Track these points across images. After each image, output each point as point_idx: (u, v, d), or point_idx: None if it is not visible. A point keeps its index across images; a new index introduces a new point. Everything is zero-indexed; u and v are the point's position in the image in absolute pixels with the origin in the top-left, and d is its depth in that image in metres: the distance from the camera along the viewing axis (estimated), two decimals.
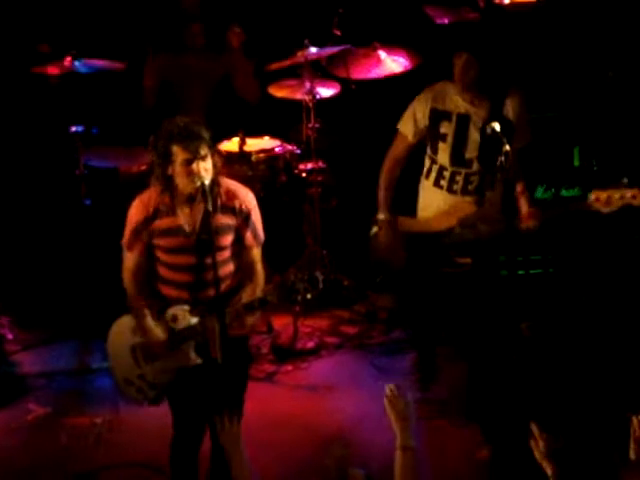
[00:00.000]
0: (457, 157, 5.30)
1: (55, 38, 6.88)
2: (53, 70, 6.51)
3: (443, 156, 5.32)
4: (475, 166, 5.29)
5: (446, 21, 7.13)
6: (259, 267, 4.68)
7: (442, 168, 5.33)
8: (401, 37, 7.19)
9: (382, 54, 6.99)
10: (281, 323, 6.73)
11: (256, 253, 4.68)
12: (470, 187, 5.31)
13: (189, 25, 7.03)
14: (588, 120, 6.65)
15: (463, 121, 5.28)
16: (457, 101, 5.31)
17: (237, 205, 4.58)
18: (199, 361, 4.54)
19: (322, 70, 7.03)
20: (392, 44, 7.05)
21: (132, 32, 7.36)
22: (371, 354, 6.48)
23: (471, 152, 5.29)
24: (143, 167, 6.75)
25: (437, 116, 5.32)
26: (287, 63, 6.77)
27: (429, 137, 5.36)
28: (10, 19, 7.37)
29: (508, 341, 5.85)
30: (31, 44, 6.87)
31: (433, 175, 5.37)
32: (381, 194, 5.46)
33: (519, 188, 5.24)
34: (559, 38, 7.07)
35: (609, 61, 6.89)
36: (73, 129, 6.58)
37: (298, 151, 6.98)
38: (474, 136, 5.28)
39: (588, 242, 6.45)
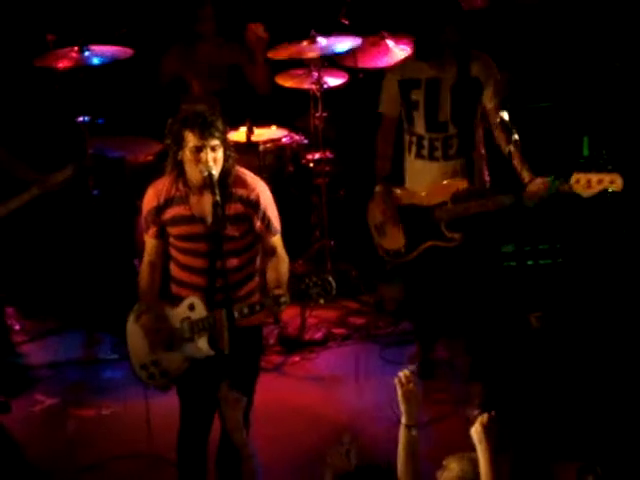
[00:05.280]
0: (431, 122, 5.43)
1: (62, 27, 6.85)
2: (62, 64, 6.48)
3: (418, 124, 5.47)
4: (451, 129, 5.43)
5: None
6: (279, 251, 4.68)
7: (420, 138, 5.47)
8: (409, 26, 7.14)
9: (390, 43, 6.95)
10: (289, 314, 6.69)
11: (274, 240, 4.67)
12: (451, 152, 5.46)
13: (199, 10, 7.01)
14: (597, 110, 6.62)
15: (433, 85, 5.42)
16: (424, 67, 5.46)
17: (247, 194, 4.56)
18: (211, 353, 4.50)
19: (330, 59, 7.00)
20: (400, 33, 7.02)
21: (141, 18, 7.35)
22: (379, 345, 6.46)
23: (444, 115, 5.42)
24: (150, 157, 6.74)
25: (406, 85, 5.48)
26: (294, 54, 6.73)
27: (403, 109, 5.53)
28: (17, 9, 7.35)
29: (515, 333, 5.86)
30: (38, 34, 6.84)
31: (414, 148, 5.51)
32: (377, 166, 5.69)
33: (513, 151, 5.26)
34: (568, 27, 7.03)
35: (616, 51, 6.86)
36: (80, 119, 6.57)
37: (306, 141, 6.96)
38: (445, 99, 5.41)
39: (596, 231, 6.43)
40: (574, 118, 6.58)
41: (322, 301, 4.45)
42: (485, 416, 3.84)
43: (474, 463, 3.76)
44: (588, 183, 5.00)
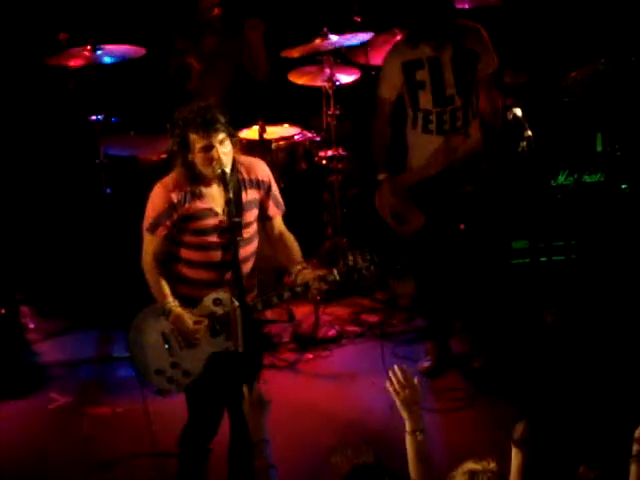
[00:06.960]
0: (439, 97, 5.61)
1: (74, 26, 6.86)
2: (74, 63, 6.49)
3: (425, 101, 5.63)
4: (457, 101, 5.61)
5: (466, 6, 7.08)
6: (286, 230, 4.70)
7: (427, 113, 5.63)
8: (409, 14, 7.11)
9: None
10: (302, 312, 6.71)
11: (279, 219, 4.70)
12: (458, 123, 5.63)
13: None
14: (610, 105, 6.59)
15: (434, 63, 5.61)
16: (422, 48, 5.62)
17: (259, 178, 4.59)
18: (234, 347, 4.48)
19: (342, 57, 6.99)
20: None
21: (150, 14, 7.34)
22: (393, 342, 6.44)
23: (450, 89, 5.60)
24: (163, 155, 6.73)
25: (409, 67, 5.64)
26: (307, 51, 6.72)
27: (407, 90, 5.67)
28: (30, 8, 7.37)
29: (529, 330, 5.85)
30: (50, 33, 6.85)
31: (420, 123, 5.67)
32: (376, 155, 5.85)
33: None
34: (581, 23, 7.02)
35: (632, 46, 6.83)
36: (93, 118, 6.58)
37: (318, 138, 6.95)
38: (448, 74, 5.60)
39: (610, 226, 6.41)
40: (587, 114, 6.55)
41: (367, 272, 4.50)
42: (519, 426, 3.63)
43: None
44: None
